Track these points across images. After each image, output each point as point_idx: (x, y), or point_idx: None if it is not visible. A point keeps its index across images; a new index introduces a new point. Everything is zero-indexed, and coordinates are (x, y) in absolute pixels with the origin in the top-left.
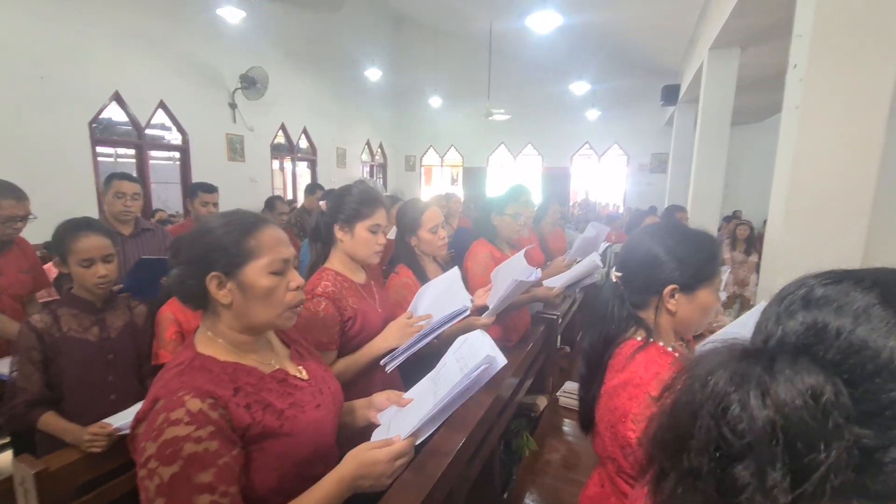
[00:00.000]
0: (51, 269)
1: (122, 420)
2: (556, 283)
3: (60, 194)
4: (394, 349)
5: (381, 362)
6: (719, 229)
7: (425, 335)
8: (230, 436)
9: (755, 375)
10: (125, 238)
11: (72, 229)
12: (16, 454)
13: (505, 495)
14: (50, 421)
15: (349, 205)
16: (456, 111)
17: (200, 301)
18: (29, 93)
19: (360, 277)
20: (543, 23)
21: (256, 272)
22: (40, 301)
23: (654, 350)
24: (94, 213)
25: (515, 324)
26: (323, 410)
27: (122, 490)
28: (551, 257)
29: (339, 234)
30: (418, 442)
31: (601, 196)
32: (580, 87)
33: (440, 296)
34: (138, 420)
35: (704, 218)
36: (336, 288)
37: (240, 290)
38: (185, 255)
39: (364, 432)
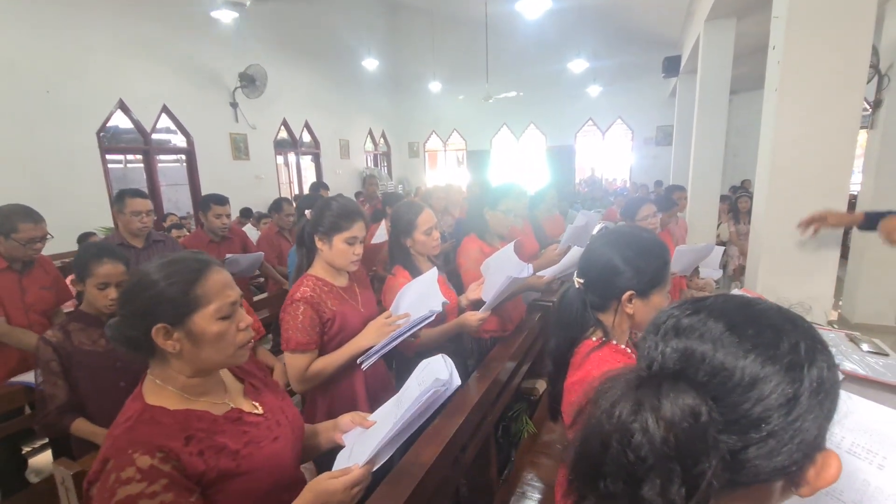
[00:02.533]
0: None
1: None
2: (548, 272)
3: (75, 204)
4: (372, 347)
5: (358, 361)
6: (724, 202)
7: (397, 336)
8: (186, 484)
9: (648, 402)
10: (139, 251)
11: (95, 254)
12: (54, 454)
13: (503, 476)
14: (81, 426)
15: (328, 218)
16: (456, 95)
17: (145, 350)
18: (37, 108)
19: (341, 281)
20: (533, 7)
21: (205, 320)
22: (66, 311)
23: (608, 350)
24: (108, 221)
25: (510, 314)
26: (281, 442)
27: None
28: (547, 242)
29: (319, 244)
30: (376, 468)
31: (607, 172)
32: (578, 65)
33: (419, 296)
34: (90, 482)
35: (706, 190)
36: (315, 292)
37: (188, 339)
38: (127, 307)
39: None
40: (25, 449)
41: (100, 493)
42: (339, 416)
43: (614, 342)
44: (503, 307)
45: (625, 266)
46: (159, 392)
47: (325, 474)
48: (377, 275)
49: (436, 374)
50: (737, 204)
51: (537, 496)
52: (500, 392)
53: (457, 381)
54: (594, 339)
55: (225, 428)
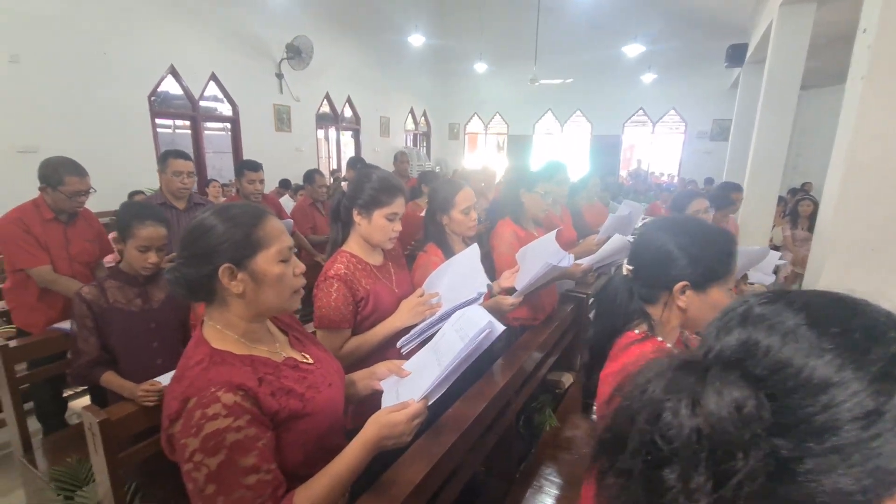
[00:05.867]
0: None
1: (169, 380)
2: (586, 261)
3: (124, 165)
4: (407, 327)
5: (398, 345)
6: (779, 204)
7: (438, 321)
8: (264, 420)
9: (688, 385)
10: (180, 212)
11: (139, 216)
12: (92, 401)
13: (522, 467)
14: (110, 379)
15: (368, 191)
16: (501, 77)
17: (206, 294)
18: (93, 68)
19: (375, 259)
20: None
21: (267, 261)
22: (107, 266)
23: (650, 345)
24: (154, 183)
25: (542, 302)
26: (334, 388)
27: None
28: (586, 231)
29: (356, 218)
30: (430, 403)
31: (655, 165)
32: (634, 50)
33: (459, 276)
34: (171, 420)
35: (763, 191)
36: (349, 270)
37: (252, 280)
38: (191, 249)
39: (366, 400)
40: (67, 392)
41: (185, 429)
42: (374, 365)
43: (659, 338)
44: (536, 295)
45: (679, 253)
46: (221, 338)
47: (385, 409)
48: (412, 253)
49: (477, 323)
50: (797, 207)
51: (555, 492)
52: (525, 381)
53: (500, 327)
54: (637, 331)
55: (287, 373)
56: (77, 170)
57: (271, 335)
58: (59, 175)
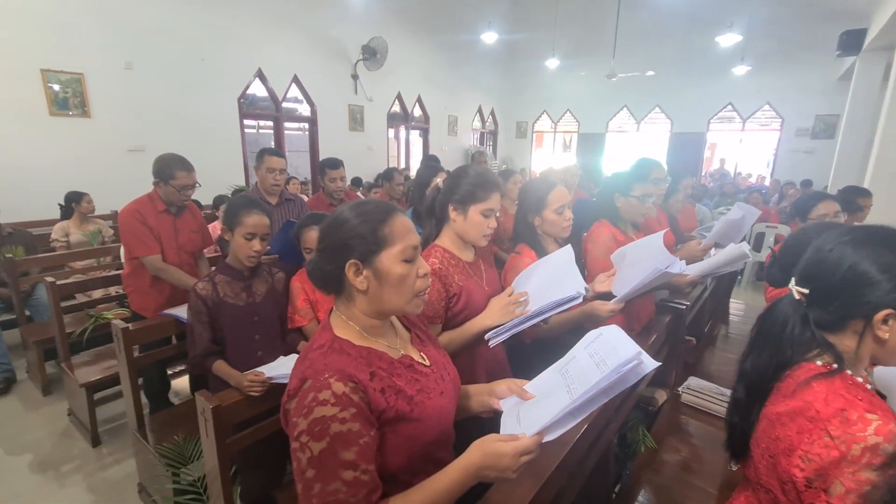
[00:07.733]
0: (213, 229)
1: (272, 371)
2: (693, 270)
3: (216, 162)
4: (496, 326)
5: (486, 337)
6: None
7: (532, 317)
8: (369, 417)
9: None
10: (272, 207)
11: (245, 206)
12: (192, 385)
13: (617, 489)
14: (220, 367)
15: (464, 187)
16: (575, 72)
17: (335, 286)
18: (192, 74)
19: (468, 256)
20: None
21: (391, 260)
22: (206, 256)
23: (839, 381)
24: (241, 179)
25: (639, 312)
26: (446, 398)
27: (271, 429)
28: (681, 237)
29: (452, 213)
30: (547, 440)
31: (744, 166)
32: (729, 40)
33: (551, 276)
34: (290, 395)
35: (889, 195)
36: (443, 265)
37: (375, 277)
38: (324, 243)
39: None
40: (168, 372)
41: (298, 408)
42: (493, 382)
43: (849, 372)
44: (632, 303)
45: (882, 275)
46: (344, 326)
47: (493, 436)
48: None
49: (619, 351)
50: None
51: None
52: (624, 398)
53: (652, 362)
54: (819, 363)
55: (400, 372)
56: (186, 165)
57: (394, 329)
58: (171, 170)
